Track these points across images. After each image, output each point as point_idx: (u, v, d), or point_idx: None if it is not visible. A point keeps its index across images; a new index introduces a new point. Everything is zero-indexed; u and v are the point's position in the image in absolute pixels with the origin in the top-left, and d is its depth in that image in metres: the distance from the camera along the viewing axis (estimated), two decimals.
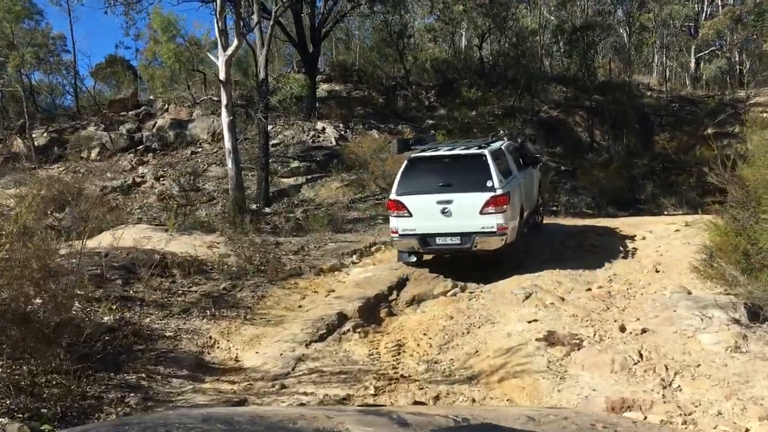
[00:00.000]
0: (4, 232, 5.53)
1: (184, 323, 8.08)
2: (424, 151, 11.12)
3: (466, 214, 9.85)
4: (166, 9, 26.17)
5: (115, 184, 20.40)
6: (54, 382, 5.48)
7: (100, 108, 26.08)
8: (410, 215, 10.14)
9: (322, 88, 27.69)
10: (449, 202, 9.92)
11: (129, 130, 24.51)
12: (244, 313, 8.74)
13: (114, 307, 7.82)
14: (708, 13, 36.76)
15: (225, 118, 16.90)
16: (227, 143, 16.93)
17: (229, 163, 17.03)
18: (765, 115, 25.96)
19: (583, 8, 32.72)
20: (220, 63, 16.81)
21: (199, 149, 23.31)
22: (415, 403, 6.00)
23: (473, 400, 6.17)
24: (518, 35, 30.40)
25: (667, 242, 11.50)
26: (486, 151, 10.21)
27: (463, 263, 10.78)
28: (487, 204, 9.75)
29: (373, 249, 12.78)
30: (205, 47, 26.65)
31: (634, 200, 23.12)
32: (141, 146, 23.70)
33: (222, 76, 16.76)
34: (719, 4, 37.28)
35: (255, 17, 19.03)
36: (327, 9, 25.32)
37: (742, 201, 8.76)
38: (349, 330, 8.25)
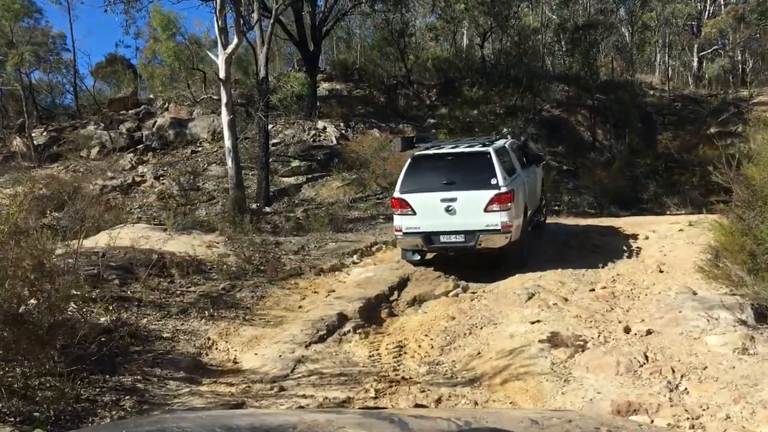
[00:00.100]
0: None
1: (182, 324, 7.97)
2: (427, 148, 11.04)
3: (470, 211, 9.79)
4: (166, 7, 26.12)
5: (115, 184, 20.27)
6: (47, 385, 5.36)
7: (100, 107, 25.97)
8: (414, 213, 10.09)
9: (323, 87, 27.57)
10: (453, 199, 9.87)
11: (129, 129, 24.39)
12: (243, 313, 8.64)
13: (111, 307, 7.70)
14: (711, 11, 36.64)
15: (225, 117, 16.77)
16: (227, 142, 16.80)
17: (229, 162, 16.90)
18: None
19: (585, 7, 32.59)
20: (220, 61, 16.69)
21: (199, 148, 23.19)
22: (417, 406, 5.89)
23: (476, 403, 6.06)
24: (520, 34, 30.28)
25: (670, 242, 11.39)
26: (490, 149, 10.15)
27: (466, 262, 10.68)
28: (491, 202, 9.69)
29: (374, 249, 12.68)
30: (206, 46, 26.55)
31: (637, 200, 23.01)
32: (141, 145, 23.56)
33: (222, 74, 16.63)
34: (722, 3, 37.13)
35: (255, 15, 18.89)
36: (328, 7, 25.19)
37: (748, 200, 8.64)
38: (349, 331, 8.14)
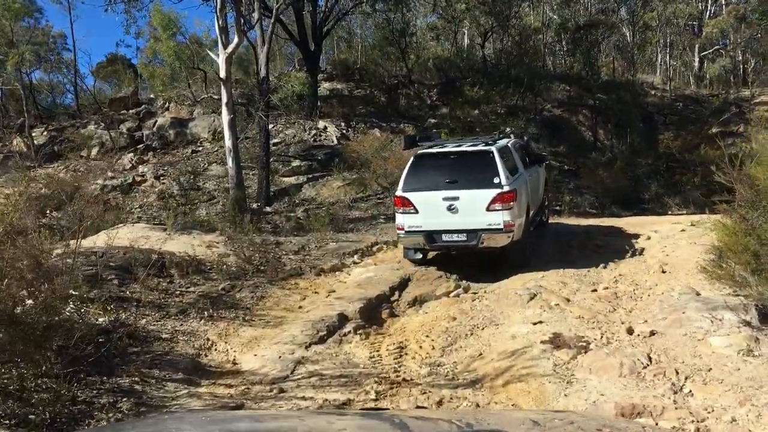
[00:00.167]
0: None
1: (181, 325, 7.90)
2: (430, 147, 11.01)
3: (472, 210, 9.77)
4: (167, 6, 25.99)
5: (115, 183, 20.22)
6: (44, 387, 5.30)
7: (101, 107, 25.90)
8: (416, 212, 10.07)
9: (324, 87, 27.50)
10: (456, 198, 9.85)
11: (129, 128, 24.35)
12: (242, 314, 8.57)
13: (110, 308, 7.64)
14: (712, 11, 36.55)
15: (225, 117, 16.72)
16: (228, 142, 16.74)
17: (230, 162, 16.85)
18: None
19: (586, 6, 32.51)
20: (221, 61, 16.64)
21: (200, 148, 23.13)
22: (418, 408, 5.82)
23: (477, 405, 5.99)
24: (521, 33, 30.19)
25: (673, 242, 11.32)
26: (493, 148, 10.13)
27: (467, 261, 10.63)
28: (494, 201, 9.68)
29: (374, 249, 12.62)
30: (207, 45, 26.47)
31: (638, 200, 22.93)
32: (141, 145, 23.52)
33: (222, 74, 16.58)
34: (723, 3, 37.05)
35: (256, 15, 18.83)
36: (329, 7, 25.13)
37: (752, 200, 8.58)
38: (349, 331, 8.07)
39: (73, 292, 7.40)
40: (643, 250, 11.20)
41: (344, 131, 23.40)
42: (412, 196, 10.11)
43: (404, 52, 28.67)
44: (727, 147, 13.90)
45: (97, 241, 9.76)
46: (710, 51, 36.01)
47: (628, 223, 14.21)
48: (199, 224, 14.00)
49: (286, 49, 34.68)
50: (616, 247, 11.60)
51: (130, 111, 25.35)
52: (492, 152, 10.03)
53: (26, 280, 5.59)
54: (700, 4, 36.59)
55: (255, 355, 7.28)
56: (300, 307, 9.07)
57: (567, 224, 14.64)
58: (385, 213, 16.99)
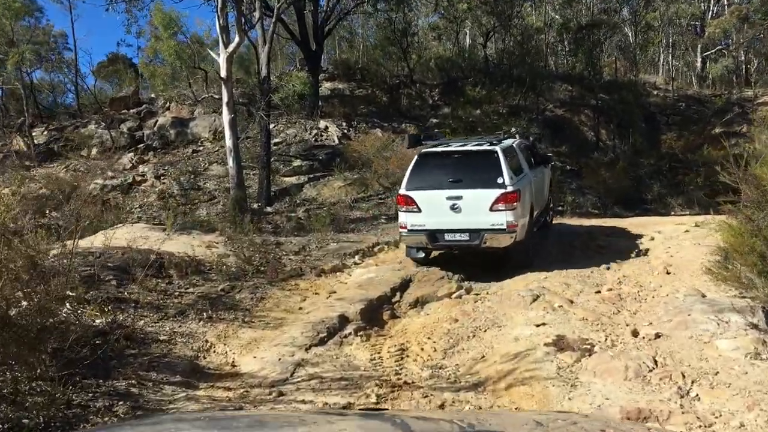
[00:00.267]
0: None
1: (180, 326, 7.80)
2: (435, 146, 10.98)
3: (475, 210, 9.73)
4: (168, 5, 25.89)
5: (115, 183, 20.15)
6: (38, 390, 5.19)
7: (101, 106, 25.83)
8: (419, 210, 10.04)
9: (325, 87, 27.41)
10: (459, 198, 9.81)
11: (130, 128, 24.27)
12: (242, 315, 8.47)
13: (107, 309, 7.54)
14: (714, 11, 36.44)
15: (226, 116, 16.64)
16: (228, 141, 16.67)
17: (230, 162, 16.77)
18: None
19: (588, 6, 32.40)
20: (222, 60, 16.56)
21: (201, 148, 23.05)
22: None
23: (480, 408, 5.89)
24: (523, 33, 30.10)
25: (677, 243, 11.22)
26: (498, 148, 10.09)
27: (471, 262, 10.54)
28: (497, 201, 9.63)
29: (375, 249, 12.53)
30: (208, 45, 26.40)
31: (641, 200, 22.83)
32: (142, 144, 23.43)
33: (223, 73, 16.49)
34: (725, 3, 36.94)
35: (257, 14, 18.75)
36: (330, 6, 25.04)
37: (758, 201, 8.48)
38: (350, 333, 7.97)
39: (70, 293, 7.31)
40: (646, 251, 11.10)
41: (345, 131, 23.31)
42: (415, 194, 10.08)
43: (406, 51, 28.57)
44: (730, 147, 13.86)
45: (95, 241, 9.65)
46: (713, 51, 35.90)
47: (631, 224, 14.10)
48: (199, 224, 13.91)
49: (287, 49, 34.60)
50: (620, 247, 11.50)
51: (131, 110, 25.27)
52: (496, 152, 9.99)
53: (21, 281, 5.49)
54: (702, 4, 36.48)
55: (254, 357, 7.17)
56: (300, 309, 8.97)
57: (569, 225, 14.55)
58: (387, 213, 16.90)
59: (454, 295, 9.34)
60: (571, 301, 8.38)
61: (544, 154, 13.74)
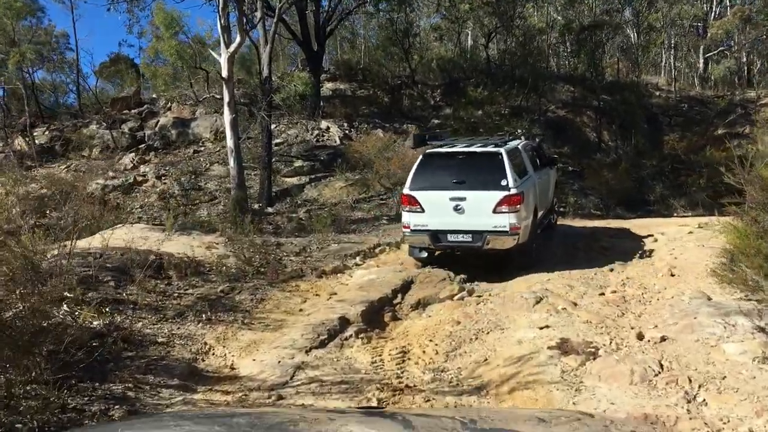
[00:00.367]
0: None
1: (178, 328, 7.69)
2: (440, 146, 11.00)
3: (478, 212, 9.74)
4: (169, 5, 25.82)
5: (116, 183, 20.08)
6: (32, 394, 5.09)
7: (102, 106, 25.78)
8: (423, 211, 10.08)
9: (327, 87, 27.34)
10: (462, 199, 9.82)
11: (131, 128, 24.22)
12: (241, 317, 8.36)
13: (105, 310, 7.44)
14: (717, 13, 36.32)
15: (227, 116, 16.57)
16: (229, 142, 16.60)
17: (231, 162, 16.70)
18: None
19: (591, 7, 32.29)
20: (223, 60, 16.49)
21: (202, 148, 22.99)
22: None
23: None
24: (525, 34, 30.01)
25: (680, 244, 11.12)
26: (502, 150, 10.10)
27: (472, 263, 10.46)
28: (500, 203, 9.63)
29: (377, 250, 12.44)
30: (209, 45, 26.33)
31: (643, 201, 22.73)
32: (143, 145, 23.39)
33: (224, 73, 16.42)
34: (728, 4, 36.82)
35: (258, 14, 18.69)
36: (332, 7, 24.98)
37: (763, 202, 8.39)
38: (351, 335, 7.86)
39: (68, 295, 7.22)
40: (650, 252, 11.03)
41: (347, 131, 23.24)
42: (419, 194, 10.11)
43: (408, 52, 28.51)
44: (733, 149, 13.77)
45: (93, 242, 9.55)
46: (715, 52, 35.78)
47: (633, 225, 14.04)
48: (200, 225, 13.82)
49: (289, 49, 34.53)
50: (623, 249, 11.42)
51: (132, 111, 25.23)
52: (501, 154, 9.99)
53: (17, 282, 5.40)
54: (705, 5, 36.38)
55: (254, 359, 7.07)
56: (300, 310, 8.87)
57: (572, 226, 14.47)
58: (388, 214, 16.83)
59: (456, 297, 9.24)
60: (575, 304, 8.28)
61: (549, 155, 13.71)
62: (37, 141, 23.26)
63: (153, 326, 7.61)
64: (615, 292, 8.75)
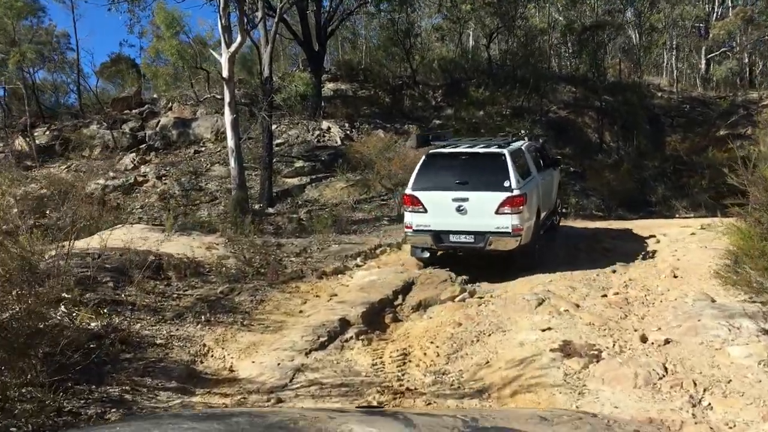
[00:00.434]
0: None
1: (177, 329, 7.62)
2: (444, 147, 10.99)
3: (481, 212, 9.72)
4: (170, 5, 25.73)
5: (117, 183, 20.02)
6: (28, 396, 5.02)
7: (103, 106, 25.73)
8: (425, 211, 10.07)
9: (328, 87, 27.29)
10: (465, 199, 9.80)
11: (132, 128, 24.17)
12: (241, 318, 8.30)
13: (103, 312, 7.38)
14: (719, 13, 36.23)
15: (228, 117, 16.52)
16: (230, 142, 16.55)
17: (232, 163, 16.65)
18: None
19: (592, 7, 32.22)
20: (224, 60, 16.44)
21: (203, 148, 22.93)
22: None
23: None
24: (527, 34, 29.95)
25: (683, 246, 11.05)
26: (505, 151, 10.08)
27: (476, 264, 10.42)
28: (503, 204, 9.60)
29: (378, 251, 12.37)
30: (211, 46, 26.26)
31: (645, 202, 22.65)
32: (144, 145, 23.33)
33: (225, 73, 16.36)
34: (730, 5, 36.74)
35: (259, 14, 18.64)
36: (333, 7, 24.92)
37: (767, 204, 8.31)
38: (351, 337, 7.80)
39: (66, 296, 7.15)
40: (653, 254, 10.95)
41: (348, 132, 23.17)
42: (421, 195, 10.10)
43: (409, 52, 28.44)
44: (735, 149, 13.70)
45: (92, 242, 9.48)
46: (717, 53, 35.70)
47: (635, 226, 13.95)
48: (200, 225, 13.76)
49: (290, 50, 34.46)
50: (625, 250, 11.35)
51: (133, 111, 25.18)
52: (504, 155, 9.97)
53: (13, 283, 5.32)
54: (707, 6, 36.29)
55: (253, 361, 6.99)
56: (300, 312, 8.81)
57: (574, 227, 14.40)
58: (389, 215, 16.76)
59: (457, 299, 9.18)
60: (577, 305, 8.21)
61: (553, 156, 13.66)
62: (37, 141, 23.20)
63: (151, 328, 7.54)
64: (618, 293, 8.68)
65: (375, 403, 5.83)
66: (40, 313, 5.26)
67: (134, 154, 22.52)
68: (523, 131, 14.44)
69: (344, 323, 8.14)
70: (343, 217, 15.69)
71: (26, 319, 5.03)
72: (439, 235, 10.06)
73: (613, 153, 26.36)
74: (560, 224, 14.17)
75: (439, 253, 10.79)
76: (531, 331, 7.42)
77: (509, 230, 9.61)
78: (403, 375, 6.70)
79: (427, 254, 10.63)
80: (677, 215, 19.98)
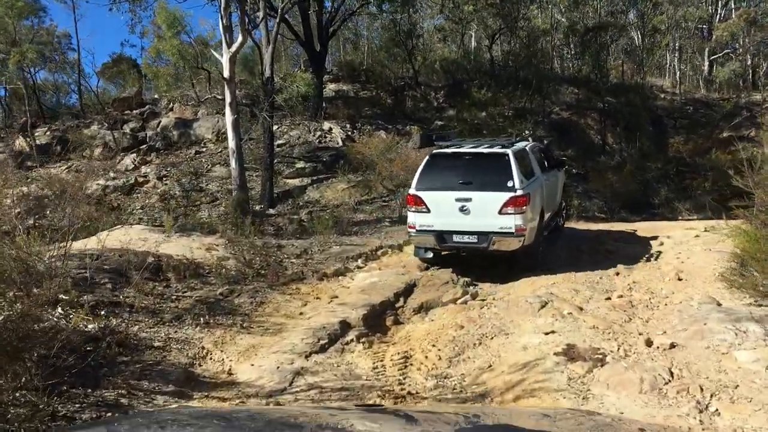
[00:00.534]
0: None
1: (176, 332, 7.51)
2: (447, 147, 10.94)
3: (484, 212, 9.66)
4: (172, 5, 25.66)
5: (118, 184, 19.95)
6: (22, 400, 4.92)
7: (104, 107, 25.66)
8: (428, 211, 10.01)
9: (330, 88, 27.21)
10: (468, 200, 9.74)
11: (133, 129, 24.09)
12: (240, 320, 8.20)
13: (101, 313, 7.28)
14: (722, 15, 36.12)
15: (229, 117, 16.44)
16: (231, 142, 16.48)
17: (233, 163, 16.57)
18: None
19: (595, 8, 32.12)
20: (225, 60, 16.37)
21: (204, 149, 22.85)
22: None
23: None
24: (529, 35, 29.85)
25: (687, 248, 10.96)
26: (509, 151, 10.01)
27: (479, 264, 10.34)
28: (506, 204, 9.53)
29: (379, 253, 12.27)
30: (212, 46, 26.20)
31: (648, 204, 22.53)
32: (144, 145, 23.25)
33: (226, 73, 16.29)
34: (733, 6, 36.63)
35: (260, 14, 18.57)
36: (335, 7, 24.85)
37: None
38: (352, 340, 7.70)
39: (63, 297, 7.07)
40: (656, 256, 10.86)
41: (349, 133, 23.09)
42: (424, 195, 10.04)
43: (411, 53, 28.35)
44: (738, 151, 13.63)
45: (89, 243, 9.39)
46: (720, 54, 35.58)
47: (639, 228, 13.86)
48: (200, 226, 13.66)
49: (291, 50, 34.37)
50: (629, 253, 11.25)
51: (134, 111, 25.10)
52: (507, 155, 9.90)
53: (8, 284, 5.23)
54: (710, 7, 36.18)
55: (252, 365, 6.89)
56: (301, 314, 8.71)
57: (577, 229, 14.29)
58: (391, 216, 16.67)
59: (459, 301, 9.09)
60: (581, 308, 8.11)
61: (558, 157, 13.59)
62: (38, 141, 23.13)
63: (149, 330, 7.44)
64: (622, 296, 8.58)
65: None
66: (34, 316, 5.16)
67: (135, 154, 22.45)
68: (526, 131, 14.34)
69: (345, 326, 8.05)
70: (344, 219, 15.60)
71: (20, 321, 4.93)
72: (442, 235, 10.00)
73: (616, 155, 26.23)
74: (564, 226, 14.07)
75: (444, 253, 10.73)
76: (534, 334, 7.32)
77: (512, 230, 9.54)
78: (404, 379, 6.60)
79: (430, 254, 10.58)
80: (680, 217, 19.88)
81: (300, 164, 20.81)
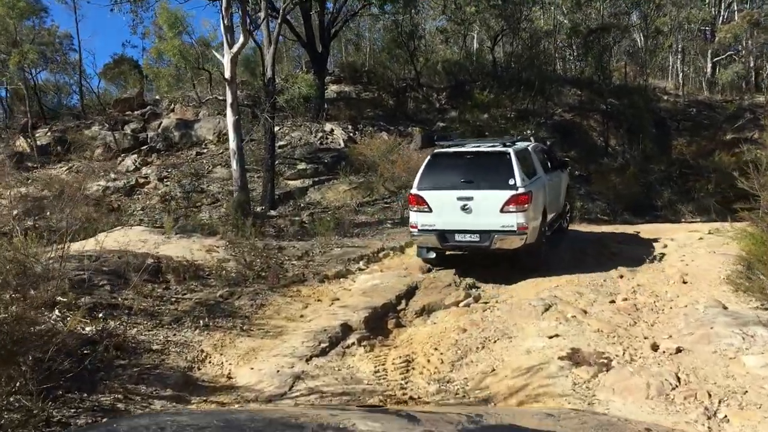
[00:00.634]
0: None
1: (174, 335, 7.41)
2: (449, 146, 10.91)
3: (486, 211, 9.59)
4: (173, 5, 25.64)
5: (118, 185, 19.88)
6: (16, 405, 4.82)
7: (105, 107, 25.59)
8: (430, 210, 9.96)
9: (331, 89, 27.14)
10: (470, 198, 9.67)
11: (134, 129, 24.03)
12: (240, 323, 8.09)
13: (99, 316, 7.18)
14: (725, 17, 36.05)
15: (230, 118, 16.37)
16: (232, 143, 16.40)
17: (234, 164, 16.49)
18: None
19: (598, 10, 32.02)
20: (226, 61, 16.29)
21: (205, 150, 22.78)
22: None
23: None
24: (532, 37, 29.78)
25: (691, 251, 10.84)
26: (510, 150, 9.95)
27: (480, 263, 10.27)
28: (508, 202, 9.47)
29: (381, 255, 12.17)
30: (214, 47, 26.12)
31: (651, 206, 22.45)
32: (145, 146, 23.19)
33: (227, 74, 16.21)
34: (736, 8, 36.53)
35: (262, 14, 18.50)
36: (336, 8, 24.76)
37: None
38: (353, 343, 7.60)
39: (61, 299, 6.98)
40: (661, 258, 10.74)
41: (351, 134, 23.02)
42: (426, 194, 9.99)
43: (413, 55, 28.28)
44: (741, 153, 13.49)
45: (88, 244, 9.30)
46: (723, 56, 35.49)
47: (642, 231, 13.75)
48: (200, 227, 13.56)
49: (293, 51, 34.33)
50: (632, 255, 11.13)
51: (135, 112, 25.04)
52: (509, 153, 9.84)
53: (3, 286, 5.14)
54: (713, 9, 36.09)
55: (252, 368, 6.79)
56: (302, 316, 8.61)
57: (580, 231, 14.18)
58: (392, 218, 16.58)
59: (461, 304, 8.98)
60: (585, 312, 8.00)
61: (561, 158, 13.51)
62: (38, 142, 23.07)
63: (148, 332, 7.34)
64: (626, 299, 8.47)
65: None
66: (29, 318, 5.06)
67: (136, 155, 22.38)
68: (528, 131, 14.26)
69: (346, 328, 7.95)
70: (345, 220, 15.50)
71: (15, 324, 4.84)
72: (444, 235, 9.94)
73: (619, 156, 26.14)
74: (568, 228, 13.98)
75: (447, 253, 10.65)
76: (538, 337, 7.21)
77: (514, 228, 9.47)
78: (406, 383, 6.50)
79: (433, 254, 10.53)
80: (683, 219, 19.81)
81: (301, 165, 20.73)
